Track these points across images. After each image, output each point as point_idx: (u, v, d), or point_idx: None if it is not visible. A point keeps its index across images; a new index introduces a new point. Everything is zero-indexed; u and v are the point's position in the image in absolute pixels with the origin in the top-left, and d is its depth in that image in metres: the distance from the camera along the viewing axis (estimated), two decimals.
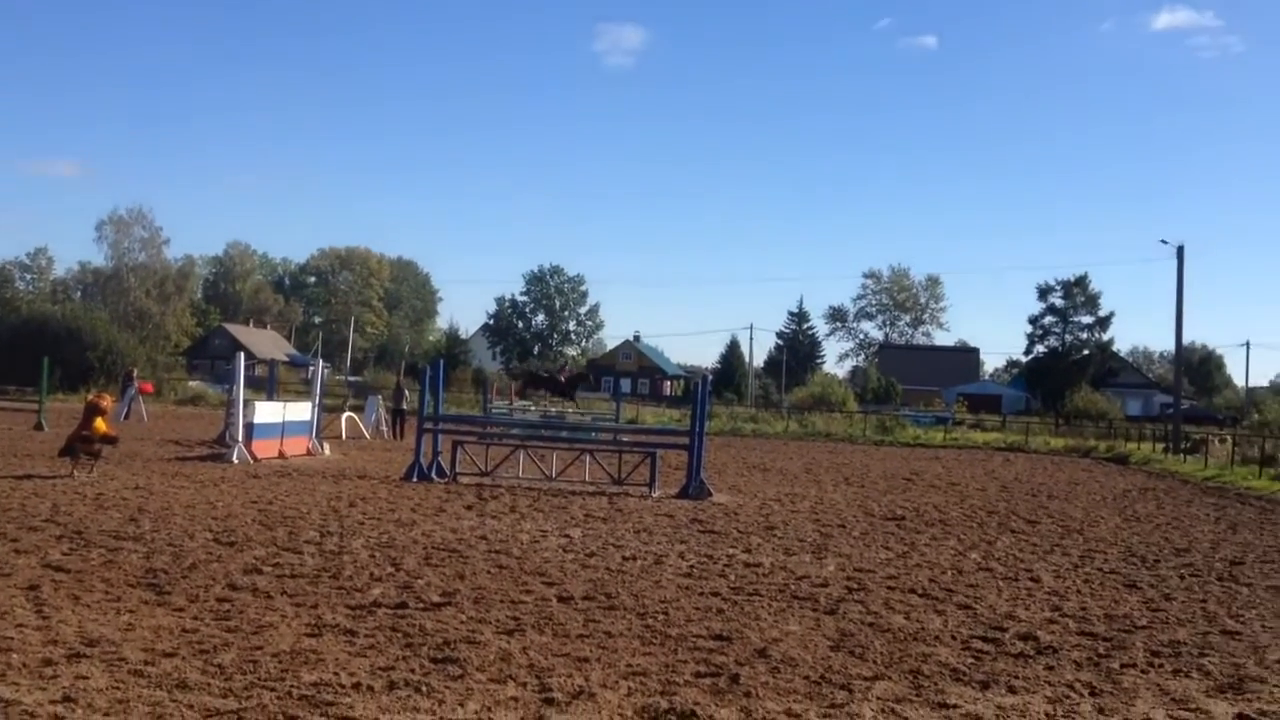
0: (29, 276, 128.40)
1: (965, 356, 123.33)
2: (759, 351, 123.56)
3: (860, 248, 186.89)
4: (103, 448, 18.62)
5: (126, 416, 36.31)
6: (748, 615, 9.41)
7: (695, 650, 8.05)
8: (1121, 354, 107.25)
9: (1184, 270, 49.80)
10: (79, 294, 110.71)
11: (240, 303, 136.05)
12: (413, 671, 7.08)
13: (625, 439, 25.02)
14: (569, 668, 7.35)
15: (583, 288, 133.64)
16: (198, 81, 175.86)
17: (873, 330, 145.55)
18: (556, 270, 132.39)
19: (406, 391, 38.00)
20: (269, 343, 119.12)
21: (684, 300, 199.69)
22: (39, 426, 30.05)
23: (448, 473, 20.79)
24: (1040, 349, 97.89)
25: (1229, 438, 41.08)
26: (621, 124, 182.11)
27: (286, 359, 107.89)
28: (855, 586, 11.14)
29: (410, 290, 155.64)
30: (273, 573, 10.31)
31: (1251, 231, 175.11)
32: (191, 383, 67.22)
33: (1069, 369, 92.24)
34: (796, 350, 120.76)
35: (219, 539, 12.19)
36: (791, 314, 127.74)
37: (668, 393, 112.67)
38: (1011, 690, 7.36)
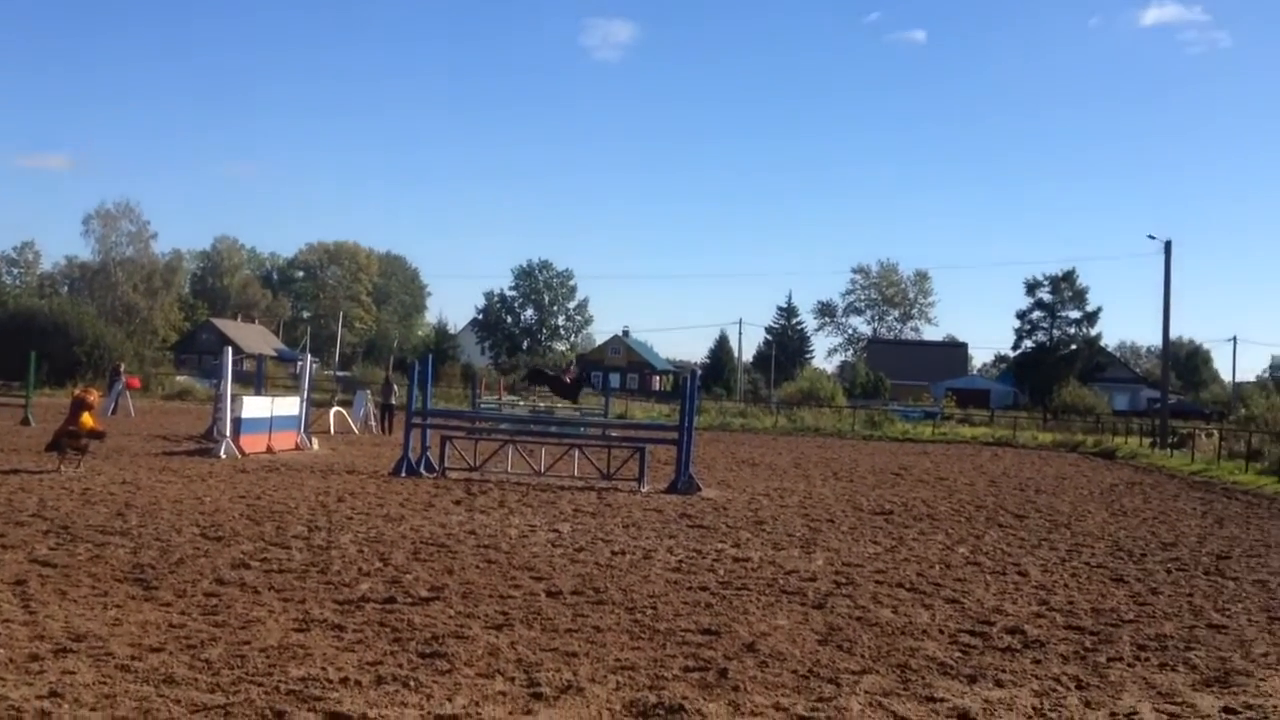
0: (16, 270, 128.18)
1: (953, 351, 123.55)
2: (748, 346, 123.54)
3: (849, 243, 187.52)
4: (89, 442, 18.56)
5: (114, 411, 36.20)
6: (736, 610, 9.42)
7: (683, 645, 8.06)
8: (1109, 349, 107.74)
9: (1171, 265, 49.95)
10: (66, 288, 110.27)
11: (228, 297, 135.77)
12: (401, 666, 7.08)
13: (614, 434, 25.02)
14: (557, 662, 7.35)
15: (571, 282, 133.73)
16: (185, 76, 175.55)
17: (861, 325, 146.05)
18: (545, 265, 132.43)
19: (395, 386, 37.93)
20: (257, 337, 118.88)
21: (673, 295, 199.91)
22: (25, 421, 29.94)
23: (436, 468, 20.78)
24: (1028, 344, 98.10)
25: (1215, 432, 41.22)
26: (610, 118, 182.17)
27: (274, 354, 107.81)
28: (843, 581, 11.16)
29: (399, 285, 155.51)
30: (260, 568, 10.29)
31: (1239, 227, 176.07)
32: (179, 377, 67.04)
33: (1057, 364, 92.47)
34: (785, 345, 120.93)
35: (206, 534, 12.17)
36: (780, 309, 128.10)
37: (657, 388, 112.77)
38: (999, 684, 7.38)
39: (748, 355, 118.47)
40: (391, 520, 14.08)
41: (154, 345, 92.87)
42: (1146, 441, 46.10)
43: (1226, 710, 6.98)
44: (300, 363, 35.83)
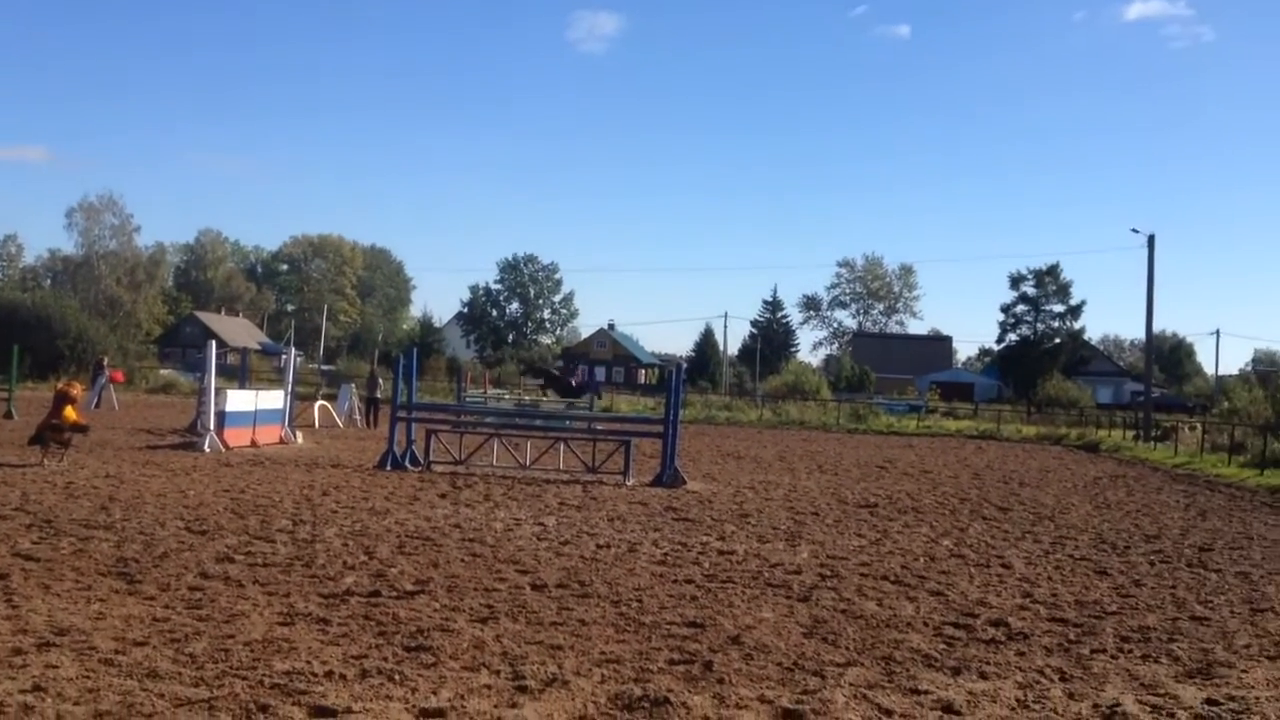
0: None
1: (938, 345, 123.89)
2: (733, 340, 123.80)
3: (834, 236, 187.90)
4: (73, 436, 18.49)
5: (97, 405, 36.06)
6: (721, 603, 9.43)
7: (669, 637, 8.06)
8: (1093, 342, 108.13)
9: (1155, 259, 50.16)
10: (49, 281, 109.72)
11: (212, 290, 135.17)
12: (386, 660, 7.06)
13: (600, 427, 25.00)
14: (542, 655, 7.35)
15: (557, 276, 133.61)
16: (168, 69, 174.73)
17: (846, 319, 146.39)
18: (530, 258, 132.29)
19: (380, 380, 37.86)
20: (241, 331, 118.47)
21: (658, 288, 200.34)
22: (8, 415, 29.83)
23: (421, 461, 20.75)
24: (1012, 337, 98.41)
25: (1199, 425, 41.43)
26: (596, 111, 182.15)
27: (259, 347, 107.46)
28: (828, 574, 11.18)
29: (384, 278, 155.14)
30: (245, 561, 10.27)
31: (1222, 221, 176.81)
32: (163, 371, 66.81)
33: (1041, 357, 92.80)
34: (771, 339, 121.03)
35: (191, 528, 12.13)
36: (766, 302, 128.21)
37: (642, 381, 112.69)
38: (983, 676, 7.40)
39: (733, 349, 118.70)
40: (376, 514, 14.06)
41: (137, 339, 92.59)
42: (1130, 434, 46.30)
43: (1209, 701, 7.01)
44: (284, 356, 35.69)
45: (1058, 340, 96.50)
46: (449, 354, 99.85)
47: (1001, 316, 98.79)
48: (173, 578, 9.33)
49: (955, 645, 8.28)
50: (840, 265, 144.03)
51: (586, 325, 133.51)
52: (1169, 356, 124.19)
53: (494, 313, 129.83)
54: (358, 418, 35.94)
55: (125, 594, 8.66)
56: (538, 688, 6.59)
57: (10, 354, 33.61)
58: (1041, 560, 12.86)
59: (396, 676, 6.67)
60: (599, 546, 12.27)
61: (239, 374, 36.40)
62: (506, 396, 42.74)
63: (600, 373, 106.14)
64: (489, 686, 6.59)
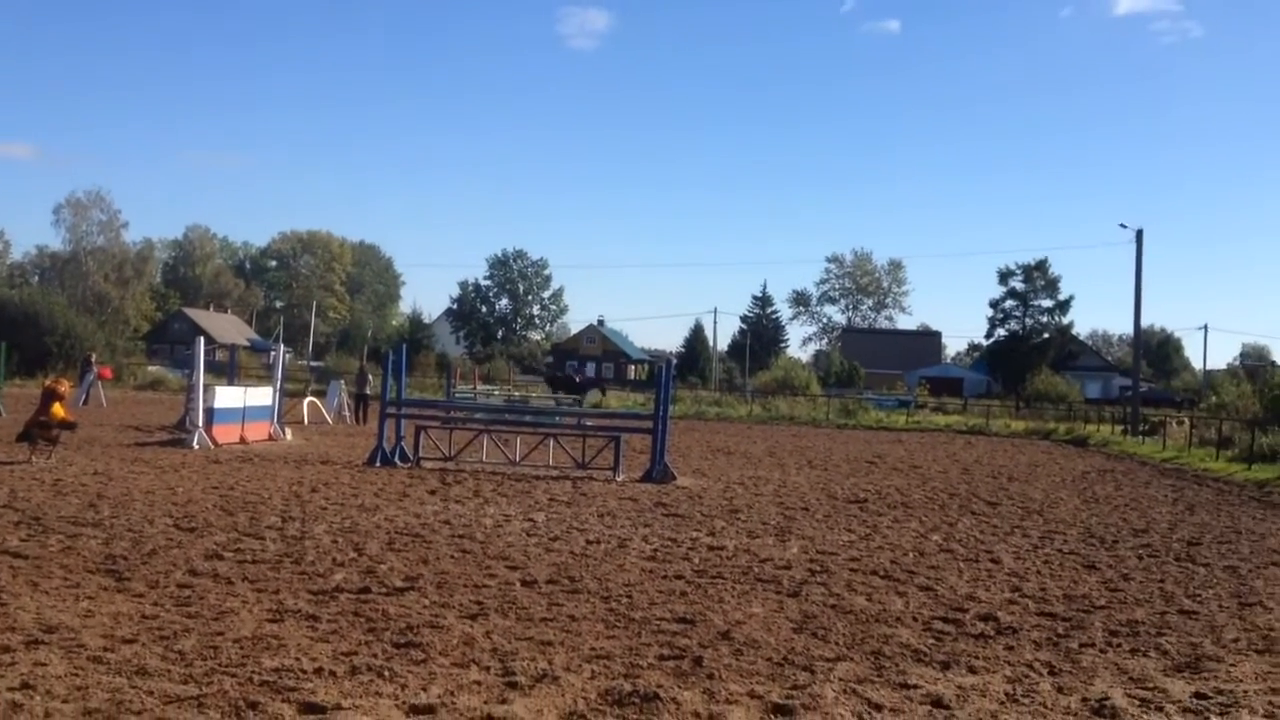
0: None
1: (927, 340, 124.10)
2: (723, 335, 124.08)
3: (823, 232, 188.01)
4: (61, 433, 18.44)
5: (85, 402, 35.93)
6: (711, 598, 9.44)
7: (659, 633, 8.07)
8: (1081, 337, 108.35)
9: (1143, 254, 50.31)
10: (36, 278, 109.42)
11: (200, 287, 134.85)
12: (375, 656, 7.06)
13: (589, 423, 25.01)
14: (532, 651, 7.34)
15: (546, 272, 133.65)
16: (156, 65, 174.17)
17: (836, 314, 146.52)
18: (520, 254, 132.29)
19: (370, 376, 37.80)
20: (229, 327, 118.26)
21: (648, 284, 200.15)
22: None
23: (411, 458, 20.73)
24: (1001, 332, 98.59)
25: (1186, 420, 41.52)
26: (586, 107, 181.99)
27: (247, 343, 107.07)
28: (818, 569, 11.20)
29: (373, 274, 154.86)
30: (234, 558, 10.25)
31: (1210, 216, 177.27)
32: (151, 367, 66.63)
33: (1029, 352, 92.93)
34: (760, 334, 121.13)
35: (179, 525, 12.10)
36: (755, 298, 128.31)
37: (632, 377, 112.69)
38: (972, 670, 7.42)
39: (723, 344, 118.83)
40: (366, 510, 14.04)
41: (125, 335, 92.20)
42: (1118, 429, 46.40)
43: (1197, 695, 7.04)
44: (273, 353, 35.64)
45: (1046, 335, 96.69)
46: (438, 350, 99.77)
47: (990, 312, 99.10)
48: (161, 575, 9.31)
49: (944, 640, 8.30)
50: (829, 261, 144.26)
51: (576, 321, 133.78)
52: (1157, 351, 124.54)
53: (483, 309, 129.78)
54: (347, 414, 35.88)
55: (114, 591, 8.64)
56: (528, 684, 6.59)
57: None
58: (1030, 555, 12.89)
59: (386, 673, 6.66)
60: (589, 542, 12.27)
61: (228, 370, 36.35)
62: (496, 393, 42.72)
63: (590, 369, 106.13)
64: (479, 683, 6.59)
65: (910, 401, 65.62)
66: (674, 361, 38.68)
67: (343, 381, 39.36)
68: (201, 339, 25.50)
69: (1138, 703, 6.82)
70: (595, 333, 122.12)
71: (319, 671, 6.62)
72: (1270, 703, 6.93)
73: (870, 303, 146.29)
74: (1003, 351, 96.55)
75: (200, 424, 22.18)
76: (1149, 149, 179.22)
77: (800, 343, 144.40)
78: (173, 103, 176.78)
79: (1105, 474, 26.83)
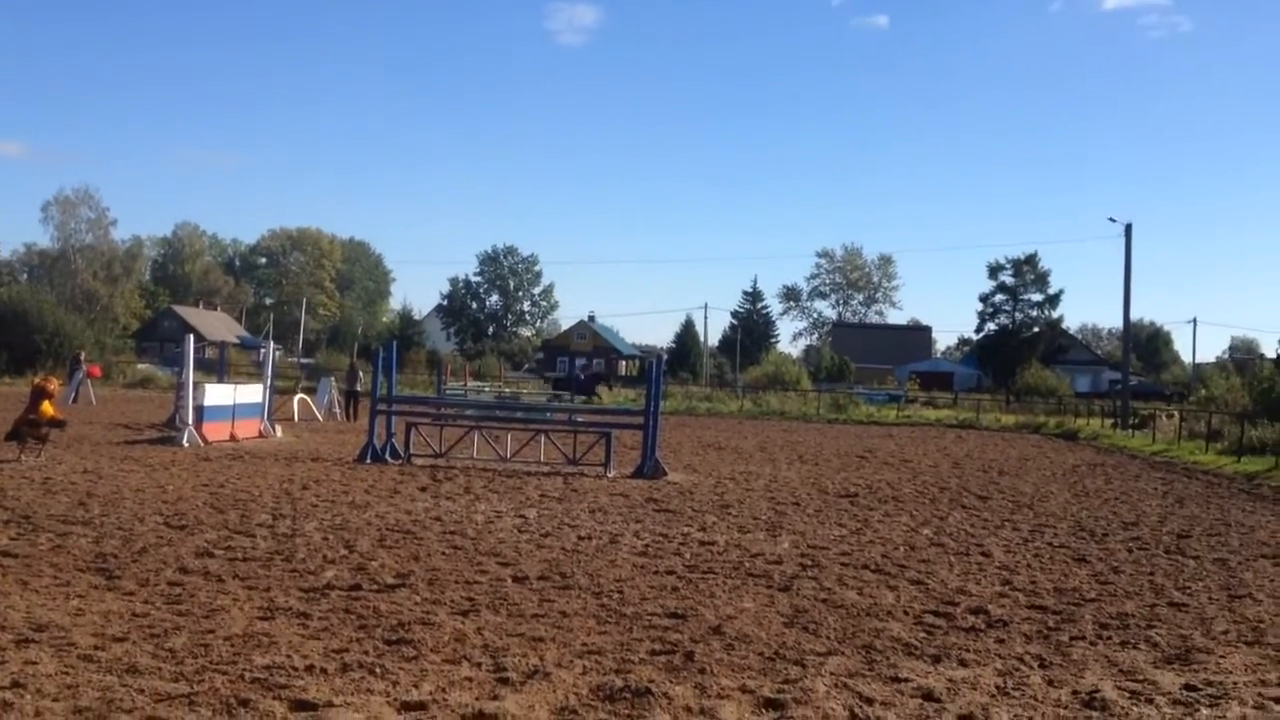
0: None
1: (918, 335, 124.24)
2: (714, 331, 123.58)
3: (814, 227, 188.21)
4: (50, 431, 18.37)
5: (74, 400, 35.84)
6: (702, 593, 9.44)
7: (650, 628, 8.07)
8: (1071, 331, 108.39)
9: (1132, 248, 50.44)
10: (25, 276, 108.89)
11: (190, 284, 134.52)
12: (366, 653, 7.05)
13: (580, 419, 25.01)
14: (524, 647, 7.34)
15: (537, 268, 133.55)
16: (145, 63, 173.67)
17: (826, 309, 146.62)
18: (510, 250, 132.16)
19: (360, 373, 37.74)
20: (219, 325, 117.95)
21: (639, 280, 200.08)
22: None
23: (402, 454, 20.71)
24: (991, 327, 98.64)
25: (1176, 413, 41.68)
26: (575, 103, 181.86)
27: (237, 341, 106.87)
28: (809, 563, 11.21)
29: (363, 271, 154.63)
30: (224, 556, 10.23)
31: (1199, 209, 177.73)
32: (140, 365, 66.43)
33: (1019, 346, 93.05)
34: (751, 329, 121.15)
35: (169, 523, 12.07)
36: (746, 293, 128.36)
37: (623, 373, 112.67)
38: (963, 664, 7.44)
39: (713, 340, 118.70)
40: (357, 507, 14.02)
41: (115, 333, 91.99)
42: (1108, 423, 46.55)
43: (1187, 687, 7.06)
44: (263, 350, 35.57)
45: (1036, 329, 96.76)
46: (429, 347, 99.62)
47: (980, 306, 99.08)
48: (152, 573, 9.29)
49: (935, 633, 8.31)
50: (820, 256, 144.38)
51: (567, 317, 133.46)
52: (1146, 345, 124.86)
53: (474, 305, 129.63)
54: (337, 411, 35.82)
55: (104, 589, 8.63)
56: (519, 680, 6.59)
57: None
58: (1021, 548, 12.92)
59: (377, 670, 6.66)
60: (580, 538, 12.28)
61: (217, 368, 36.30)
62: (487, 389, 42.70)
63: (580, 365, 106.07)
64: (470, 679, 6.59)
65: (901, 396, 65.73)
66: (665, 357, 38.69)
67: (333, 379, 39.26)
68: (191, 336, 25.42)
69: (1128, 695, 6.84)
70: (586, 329, 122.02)
71: (310, 669, 6.61)
72: (1260, 694, 6.96)
73: (860, 298, 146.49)
74: (993, 346, 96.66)
75: (190, 422, 22.13)
76: (1138, 143, 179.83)
77: (791, 338, 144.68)
78: (161, 101, 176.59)
79: (1095, 467, 26.90)
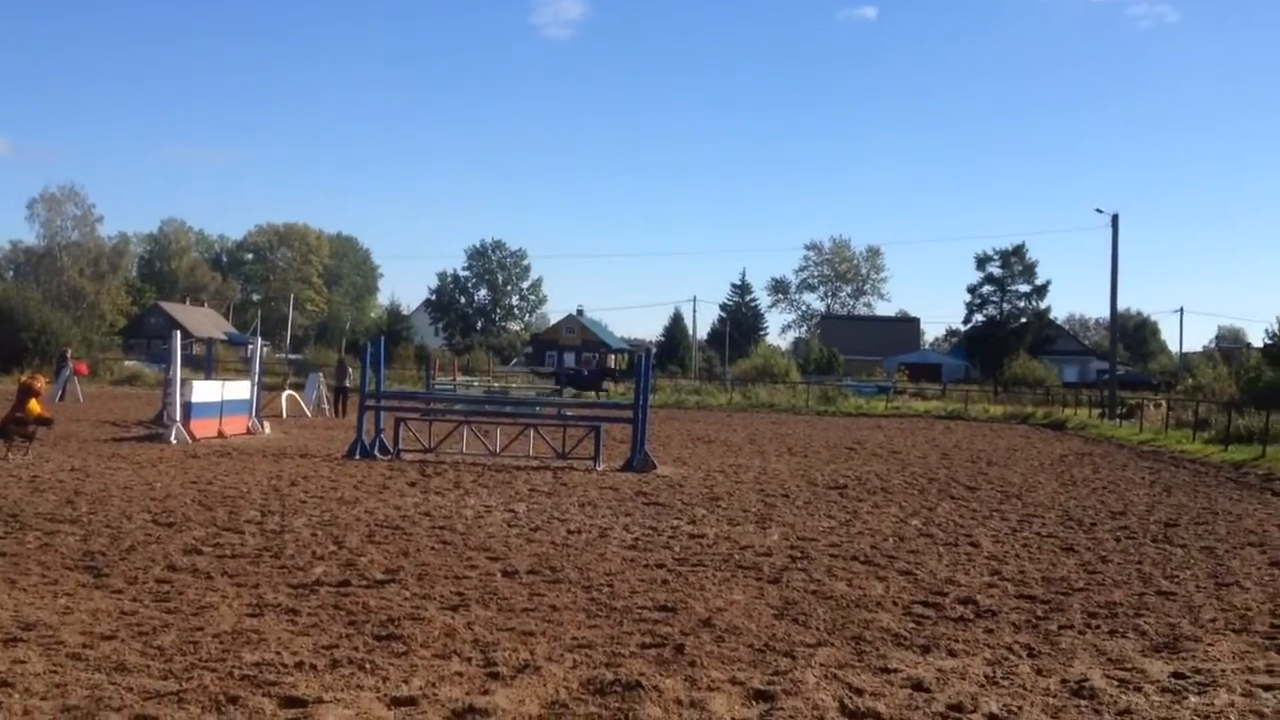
0: None
1: (906, 326, 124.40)
2: (702, 324, 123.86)
3: (802, 220, 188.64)
4: (37, 429, 18.32)
5: (62, 397, 35.74)
6: (692, 586, 9.45)
7: (640, 622, 8.07)
8: (1058, 321, 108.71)
9: (1119, 238, 50.54)
10: (11, 273, 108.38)
11: (176, 281, 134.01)
12: (356, 649, 7.04)
13: (569, 413, 25.00)
14: (514, 642, 7.34)
15: (525, 262, 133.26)
16: (130, 59, 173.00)
17: (814, 301, 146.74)
18: (498, 245, 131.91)
19: (350, 369, 37.65)
20: (206, 321, 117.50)
21: (627, 274, 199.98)
22: None
23: (390, 450, 20.67)
24: (979, 318, 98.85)
25: (1163, 402, 41.80)
26: (561, 96, 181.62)
27: (225, 337, 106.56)
28: (798, 555, 11.23)
29: (350, 266, 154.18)
30: (213, 553, 10.21)
31: (1185, 199, 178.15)
32: (128, 362, 66.19)
33: (1007, 337, 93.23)
34: (739, 322, 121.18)
35: (158, 520, 12.04)
36: (734, 286, 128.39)
37: (612, 366, 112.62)
38: (952, 654, 7.46)
39: (702, 333, 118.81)
40: (345, 503, 14.00)
41: (101, 330, 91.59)
42: (1095, 412, 46.68)
43: (1176, 675, 7.09)
44: (251, 346, 35.49)
45: (1024, 320, 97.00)
46: (417, 342, 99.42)
47: (968, 297, 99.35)
48: (140, 570, 9.26)
49: (924, 624, 8.33)
50: (808, 248, 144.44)
51: (555, 311, 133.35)
52: (1133, 334, 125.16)
53: (462, 300, 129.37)
54: (326, 407, 35.75)
55: (92, 588, 8.60)
56: (509, 674, 6.59)
57: None
58: (1009, 538, 12.96)
59: (367, 666, 6.65)
60: (570, 532, 12.27)
61: (205, 364, 36.19)
62: (475, 384, 42.65)
63: (570, 359, 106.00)
64: (460, 674, 6.58)
65: (889, 387, 65.84)
66: (654, 350, 38.68)
67: (321, 374, 39.17)
68: (178, 333, 25.37)
69: (1116, 683, 6.87)
70: (575, 323, 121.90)
71: (299, 665, 6.60)
72: (1248, 681, 6.99)
73: (849, 290, 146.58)
74: (980, 337, 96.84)
75: (178, 419, 22.07)
76: (1125, 133, 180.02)
77: (779, 330, 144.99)
78: (147, 97, 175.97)
79: (1083, 457, 26.98)
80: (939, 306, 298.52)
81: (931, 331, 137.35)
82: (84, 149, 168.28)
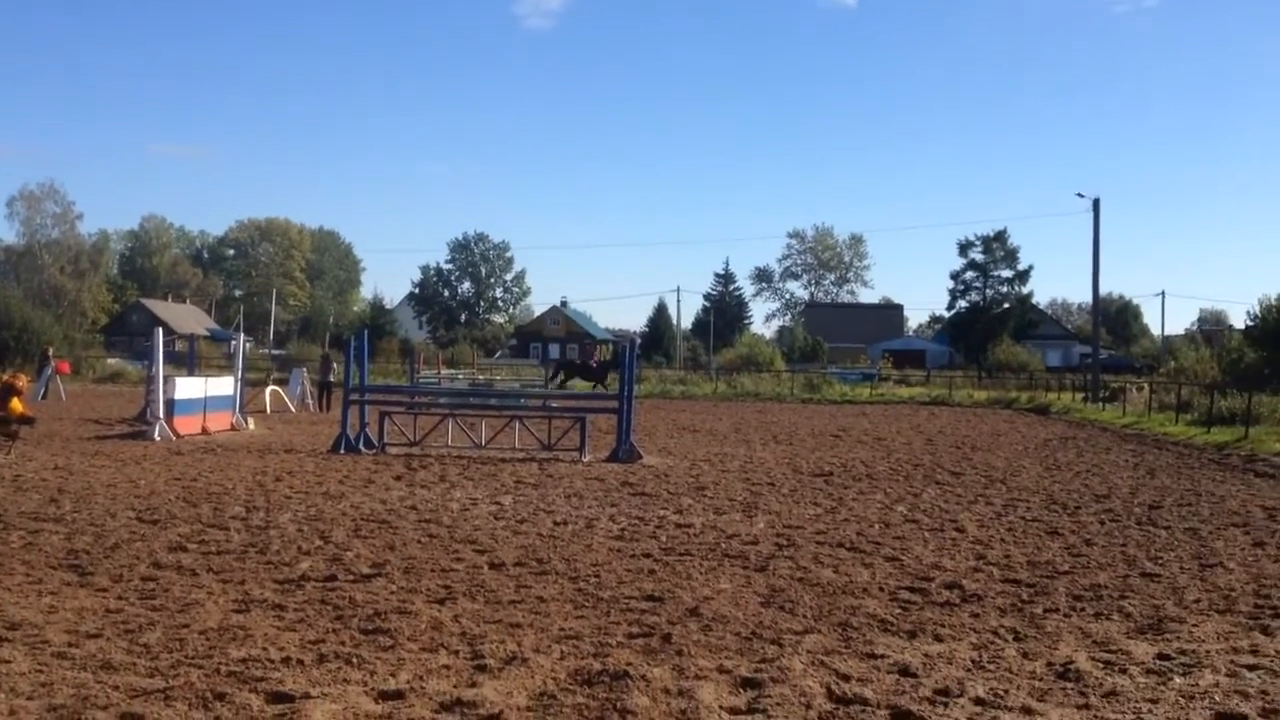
0: None
1: (889, 313, 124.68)
2: (686, 314, 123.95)
3: (784, 208, 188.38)
4: (20, 429, 18.24)
5: (44, 396, 35.58)
6: (679, 575, 9.46)
7: (627, 612, 8.08)
8: (1041, 306, 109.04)
9: (1100, 223, 50.70)
10: None
11: (158, 277, 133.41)
12: (343, 644, 7.03)
13: (554, 404, 24.98)
14: (501, 634, 7.34)
15: (508, 254, 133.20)
16: (109, 56, 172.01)
17: (798, 290, 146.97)
18: (481, 237, 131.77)
19: (334, 364, 37.53)
20: (189, 317, 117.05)
21: (611, 264, 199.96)
22: None
23: (375, 444, 20.63)
24: (962, 304, 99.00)
25: (1146, 386, 41.96)
26: (542, 87, 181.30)
27: (207, 333, 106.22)
28: (785, 543, 11.25)
29: (333, 261, 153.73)
30: (198, 550, 10.17)
31: (1166, 183, 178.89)
32: (110, 360, 65.85)
33: (990, 323, 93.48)
34: (724, 311, 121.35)
35: (142, 517, 12.00)
36: (718, 275, 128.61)
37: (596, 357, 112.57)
38: (938, 639, 7.48)
39: (686, 322, 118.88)
40: (331, 498, 13.97)
41: (83, 328, 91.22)
42: (1079, 396, 46.85)
43: (1161, 656, 7.13)
44: (234, 342, 35.36)
45: (1007, 305, 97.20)
46: (401, 335, 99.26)
47: (951, 283, 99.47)
48: (125, 568, 9.23)
49: (910, 609, 8.36)
50: (791, 236, 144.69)
51: (539, 303, 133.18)
52: (1116, 318, 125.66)
53: (445, 293, 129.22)
54: (310, 402, 35.65)
55: (77, 586, 8.56)
56: (497, 666, 6.59)
57: None
58: (994, 523, 13.00)
59: (354, 660, 6.64)
60: (556, 524, 12.28)
61: (188, 361, 35.97)
62: (460, 377, 42.59)
63: (554, 350, 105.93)
64: (448, 667, 6.58)
65: (874, 374, 66.04)
66: (638, 341, 38.64)
67: (305, 369, 39.04)
68: (160, 330, 25.25)
69: (1102, 665, 6.90)
70: (559, 314, 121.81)
71: (286, 661, 6.59)
72: (1232, 661, 7.03)
73: (832, 277, 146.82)
74: (964, 323, 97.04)
75: (161, 415, 21.99)
76: (1105, 118, 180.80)
77: (764, 319, 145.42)
78: (125, 95, 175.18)
79: (1067, 441, 27.08)
80: (922, 293, 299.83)
81: (915, 318, 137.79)
82: (62, 146, 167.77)
